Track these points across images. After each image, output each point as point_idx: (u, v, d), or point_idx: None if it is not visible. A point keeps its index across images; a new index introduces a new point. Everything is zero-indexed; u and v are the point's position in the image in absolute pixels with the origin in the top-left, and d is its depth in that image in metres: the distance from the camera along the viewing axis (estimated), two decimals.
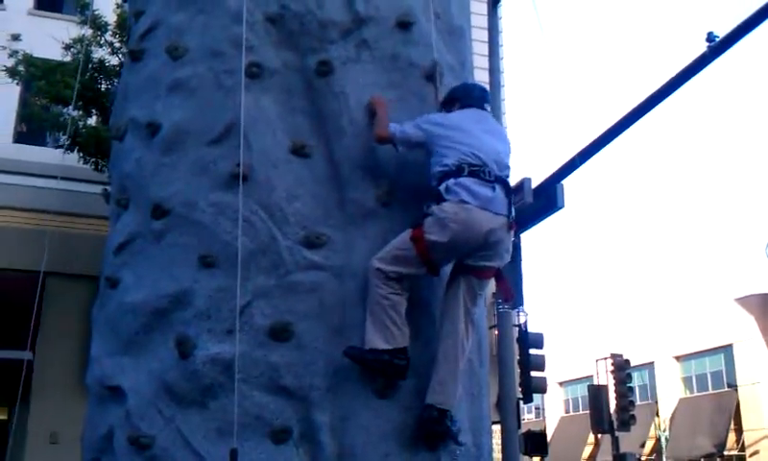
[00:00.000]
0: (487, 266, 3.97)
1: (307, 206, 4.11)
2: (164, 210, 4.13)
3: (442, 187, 3.87)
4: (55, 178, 11.96)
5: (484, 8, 14.97)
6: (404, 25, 4.43)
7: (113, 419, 4.00)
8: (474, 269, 3.97)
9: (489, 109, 4.33)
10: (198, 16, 4.41)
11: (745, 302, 34.83)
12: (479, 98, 4.29)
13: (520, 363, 14.98)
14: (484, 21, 14.91)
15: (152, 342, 4.01)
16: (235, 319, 3.84)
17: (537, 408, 44.31)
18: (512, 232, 3.95)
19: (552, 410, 45.35)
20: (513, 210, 3.96)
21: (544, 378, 15.37)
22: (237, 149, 4.06)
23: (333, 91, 4.26)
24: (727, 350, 35.17)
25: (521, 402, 14.99)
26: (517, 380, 14.61)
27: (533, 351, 15.15)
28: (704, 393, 36.23)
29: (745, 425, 33.69)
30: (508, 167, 4.09)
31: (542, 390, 15.55)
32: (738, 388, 34.31)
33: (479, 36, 14.30)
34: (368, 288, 3.94)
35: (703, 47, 9.56)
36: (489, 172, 3.90)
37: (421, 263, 3.89)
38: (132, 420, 3.89)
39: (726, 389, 35.08)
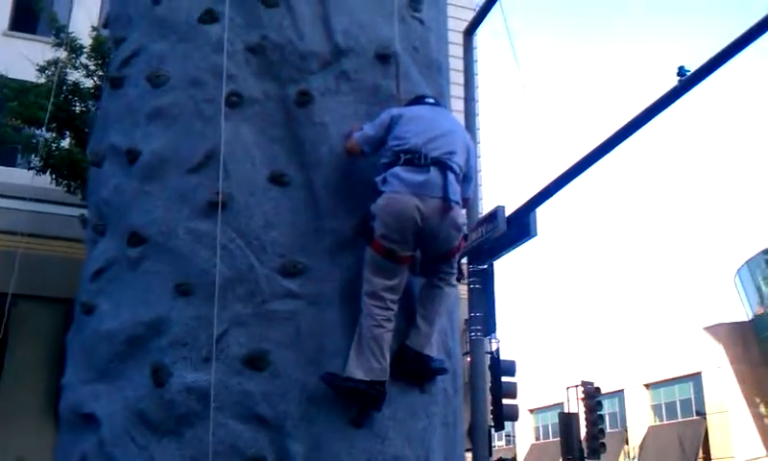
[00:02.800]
0: (442, 252, 4.07)
1: (285, 235, 4.12)
2: (142, 238, 4.13)
3: (379, 179, 3.97)
4: (26, 200, 11.84)
5: (459, 37, 15.14)
6: (384, 57, 4.49)
7: (86, 447, 3.95)
8: (437, 259, 4.09)
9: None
10: (179, 45, 4.43)
11: (714, 331, 35.26)
12: (431, 98, 4.38)
13: (492, 390, 15.00)
14: (459, 51, 15.08)
15: (127, 369, 3.98)
16: (212, 347, 3.83)
17: (507, 435, 44.31)
18: (451, 213, 3.93)
19: (522, 437, 45.38)
20: (451, 191, 3.93)
21: (516, 406, 15.40)
22: (216, 177, 4.07)
23: (313, 121, 4.29)
24: (695, 378, 35.52)
25: (492, 430, 14.99)
26: (489, 408, 14.61)
27: (505, 379, 15.20)
28: (673, 421, 36.50)
29: (713, 453, 33.97)
30: (446, 146, 4.04)
31: (514, 418, 15.58)
32: (707, 416, 34.60)
33: (455, 65, 14.41)
34: (352, 318, 3.99)
35: (674, 81, 9.75)
36: (424, 156, 3.95)
37: (391, 262, 3.92)
38: (106, 448, 3.85)
39: (695, 417, 35.37)
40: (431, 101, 4.35)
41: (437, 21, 5.08)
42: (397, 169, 3.93)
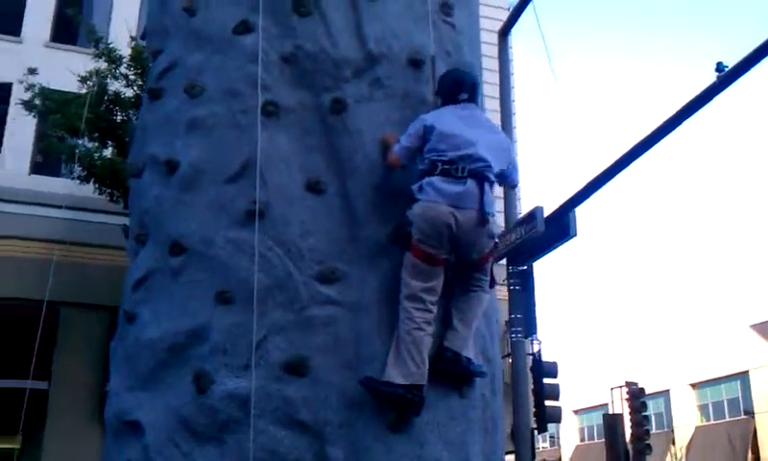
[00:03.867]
0: (474, 259, 4.10)
1: (322, 242, 4.17)
2: (182, 247, 4.20)
3: (415, 187, 4.01)
4: (70, 208, 12.06)
5: (494, 37, 15.08)
6: (416, 63, 4.51)
7: (131, 453, 4.04)
8: (470, 266, 4.12)
9: (478, 101, 4.42)
10: (214, 56, 4.50)
11: (761, 328, 34.55)
12: (466, 92, 4.33)
13: (534, 392, 14.86)
14: (494, 50, 15.01)
15: (169, 377, 4.05)
16: (252, 354, 3.88)
17: (551, 437, 44.04)
18: (486, 225, 3.99)
19: (567, 438, 44.97)
20: (487, 202, 3.99)
21: (559, 408, 15.22)
22: (253, 186, 4.13)
23: (347, 129, 4.32)
24: (743, 377, 34.84)
25: (536, 432, 14.86)
26: (532, 410, 14.50)
27: (547, 381, 15.03)
28: (720, 420, 35.84)
29: (763, 453, 33.28)
30: (483, 159, 4.07)
31: (557, 419, 15.40)
32: (755, 415, 33.94)
33: (490, 65, 14.38)
34: (390, 323, 4.01)
35: (713, 77, 9.59)
36: (462, 168, 3.99)
37: (429, 265, 3.96)
38: (150, 455, 3.93)
39: (743, 416, 34.70)
40: (465, 96, 4.31)
41: (469, 25, 5.07)
42: (435, 179, 3.98)
